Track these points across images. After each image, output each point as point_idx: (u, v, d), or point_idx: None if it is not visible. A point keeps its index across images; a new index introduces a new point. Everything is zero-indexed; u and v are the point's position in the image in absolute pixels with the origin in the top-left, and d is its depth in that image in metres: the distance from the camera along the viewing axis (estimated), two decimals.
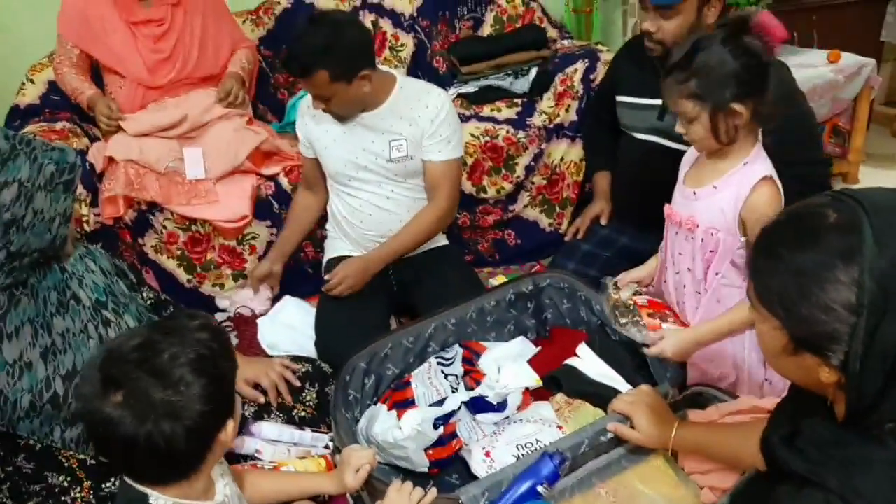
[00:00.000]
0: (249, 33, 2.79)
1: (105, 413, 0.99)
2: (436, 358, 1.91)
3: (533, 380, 1.78)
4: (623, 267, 1.86)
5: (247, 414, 1.68)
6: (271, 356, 1.99)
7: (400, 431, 1.60)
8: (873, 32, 3.65)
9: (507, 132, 2.62)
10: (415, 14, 3.03)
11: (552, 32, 3.15)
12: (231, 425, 1.09)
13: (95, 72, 2.51)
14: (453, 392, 1.79)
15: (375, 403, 1.81)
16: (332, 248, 2.28)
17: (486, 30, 3.13)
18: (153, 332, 1.06)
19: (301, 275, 2.50)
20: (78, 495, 1.30)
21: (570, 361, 1.83)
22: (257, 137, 2.40)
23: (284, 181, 2.44)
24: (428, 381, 1.84)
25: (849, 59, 3.09)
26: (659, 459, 1.48)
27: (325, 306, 2.12)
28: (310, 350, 2.07)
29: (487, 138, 2.59)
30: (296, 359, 1.86)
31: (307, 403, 1.76)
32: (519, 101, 2.83)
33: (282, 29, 2.85)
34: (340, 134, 2.09)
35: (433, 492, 1.33)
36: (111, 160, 2.29)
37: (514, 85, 2.89)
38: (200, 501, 1.13)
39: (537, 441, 1.58)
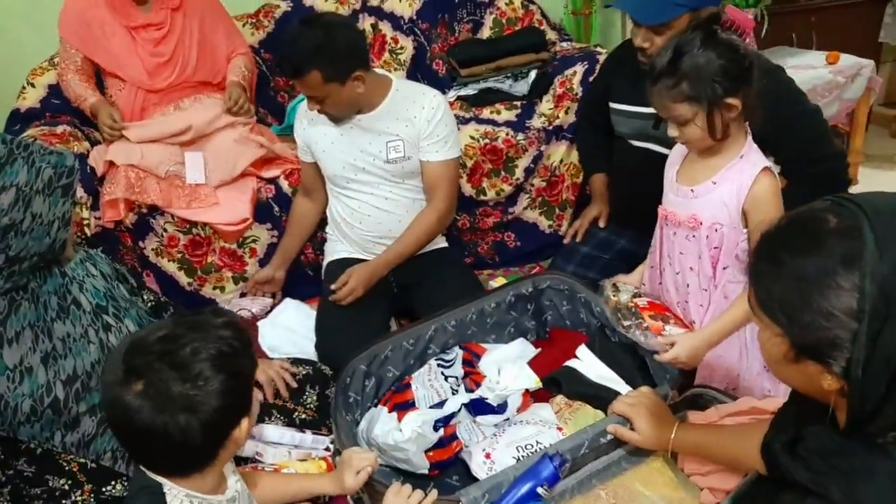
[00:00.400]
0: (249, 37, 2.80)
1: (125, 401, 1.01)
2: (436, 360, 1.91)
3: (533, 381, 1.78)
4: (622, 269, 1.86)
5: None
6: (272, 359, 2.00)
7: (400, 433, 1.60)
8: (872, 33, 3.66)
9: (507, 134, 2.62)
10: (414, 17, 3.03)
11: (551, 35, 3.15)
12: (246, 423, 1.10)
13: (97, 75, 2.52)
14: (453, 394, 1.79)
15: (376, 405, 1.82)
16: (332, 251, 2.29)
17: (486, 32, 3.14)
18: (178, 325, 1.08)
19: (301, 277, 2.51)
20: (79, 499, 1.30)
21: (570, 363, 1.83)
22: (256, 152, 2.40)
23: (285, 184, 2.45)
24: (428, 383, 1.85)
25: (847, 60, 3.10)
26: (659, 461, 1.49)
27: (326, 309, 2.13)
28: (310, 353, 2.08)
29: (487, 140, 2.59)
30: (296, 361, 1.86)
31: (308, 406, 1.76)
32: (518, 103, 2.84)
33: (281, 32, 2.85)
34: (338, 136, 2.10)
35: (433, 494, 1.33)
36: (112, 164, 2.29)
37: (514, 87, 2.90)
38: (212, 495, 1.14)
39: (537, 443, 1.59)
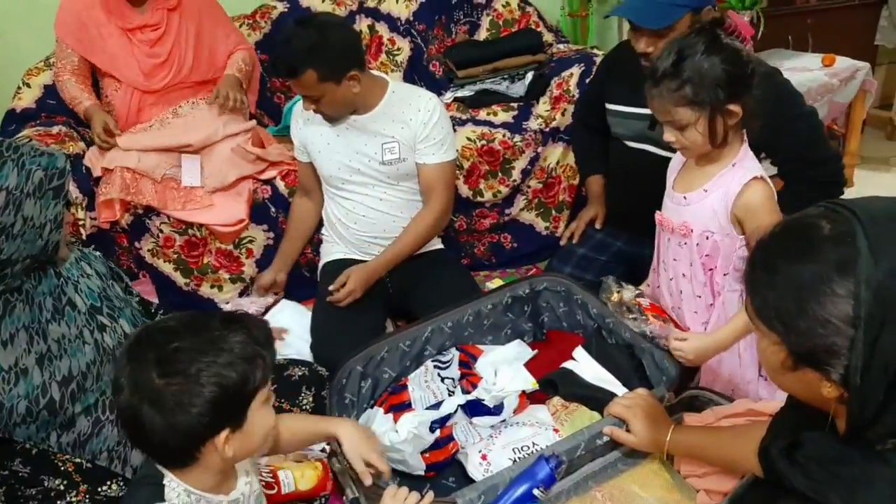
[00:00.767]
0: (246, 38, 2.79)
1: (118, 380, 1.04)
2: (432, 361, 1.91)
3: (529, 383, 1.78)
4: (619, 271, 1.86)
5: None
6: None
7: (396, 434, 1.60)
8: (868, 36, 3.67)
9: (504, 136, 2.62)
10: (411, 18, 3.03)
11: (548, 36, 3.16)
12: (225, 434, 1.06)
13: (93, 76, 2.51)
14: (450, 395, 1.79)
15: (372, 407, 1.81)
16: (328, 252, 2.29)
17: (483, 34, 3.14)
18: (187, 329, 1.08)
19: (297, 278, 2.50)
20: (74, 499, 1.29)
21: (567, 365, 1.83)
22: (250, 166, 2.39)
23: (281, 185, 2.45)
24: (424, 384, 1.85)
25: (843, 62, 3.11)
26: (655, 463, 1.49)
27: (321, 310, 2.13)
28: (306, 354, 2.07)
29: (484, 142, 2.59)
30: (292, 362, 1.86)
31: (303, 407, 1.75)
32: (515, 104, 2.84)
33: (278, 33, 2.85)
34: (334, 137, 2.10)
35: (430, 495, 1.32)
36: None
37: (511, 89, 2.90)
38: (212, 494, 1.13)
39: (534, 444, 1.59)
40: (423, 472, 1.64)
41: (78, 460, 1.33)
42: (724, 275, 1.60)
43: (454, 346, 1.96)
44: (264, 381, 1.10)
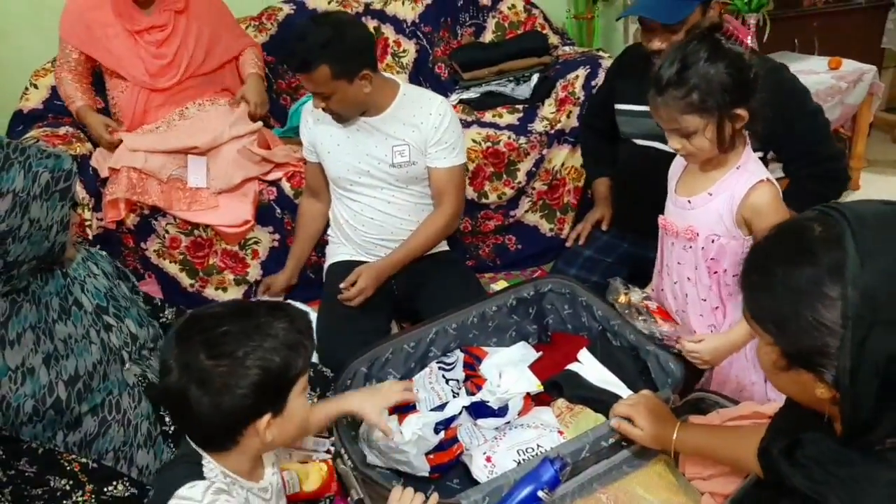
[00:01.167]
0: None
1: (167, 362, 1.07)
2: (437, 363, 1.91)
3: (534, 385, 1.78)
4: (624, 272, 1.86)
5: None
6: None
7: (401, 436, 1.59)
8: (874, 39, 3.66)
9: (509, 138, 2.62)
10: (417, 20, 3.04)
11: (553, 39, 3.16)
12: (267, 419, 1.11)
13: (98, 77, 2.52)
14: (454, 397, 1.79)
15: None
16: (334, 254, 2.29)
17: (488, 36, 3.15)
18: (237, 311, 1.12)
19: (303, 280, 2.51)
20: (80, 499, 1.30)
21: (572, 367, 1.83)
22: (256, 168, 2.40)
23: (287, 186, 2.45)
24: (429, 385, 1.85)
25: (850, 65, 3.10)
26: (660, 465, 1.48)
27: (327, 311, 2.13)
28: None
29: (489, 144, 2.60)
30: None
31: None
32: (520, 107, 2.84)
33: (284, 35, 2.86)
34: (344, 139, 2.10)
35: (434, 497, 1.33)
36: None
37: (516, 91, 2.90)
38: (246, 479, 1.16)
39: (538, 446, 1.58)
40: (427, 474, 1.63)
41: (84, 460, 1.34)
42: (734, 276, 1.60)
43: (459, 347, 1.95)
44: (305, 369, 1.15)
